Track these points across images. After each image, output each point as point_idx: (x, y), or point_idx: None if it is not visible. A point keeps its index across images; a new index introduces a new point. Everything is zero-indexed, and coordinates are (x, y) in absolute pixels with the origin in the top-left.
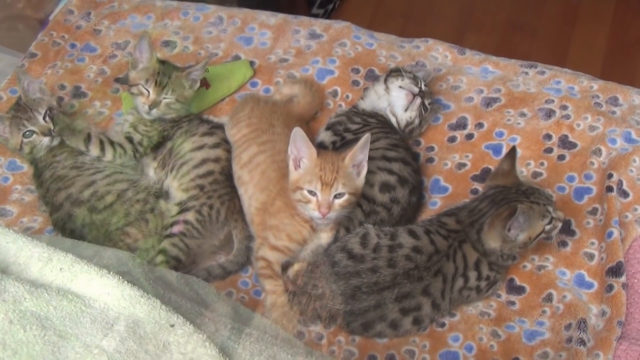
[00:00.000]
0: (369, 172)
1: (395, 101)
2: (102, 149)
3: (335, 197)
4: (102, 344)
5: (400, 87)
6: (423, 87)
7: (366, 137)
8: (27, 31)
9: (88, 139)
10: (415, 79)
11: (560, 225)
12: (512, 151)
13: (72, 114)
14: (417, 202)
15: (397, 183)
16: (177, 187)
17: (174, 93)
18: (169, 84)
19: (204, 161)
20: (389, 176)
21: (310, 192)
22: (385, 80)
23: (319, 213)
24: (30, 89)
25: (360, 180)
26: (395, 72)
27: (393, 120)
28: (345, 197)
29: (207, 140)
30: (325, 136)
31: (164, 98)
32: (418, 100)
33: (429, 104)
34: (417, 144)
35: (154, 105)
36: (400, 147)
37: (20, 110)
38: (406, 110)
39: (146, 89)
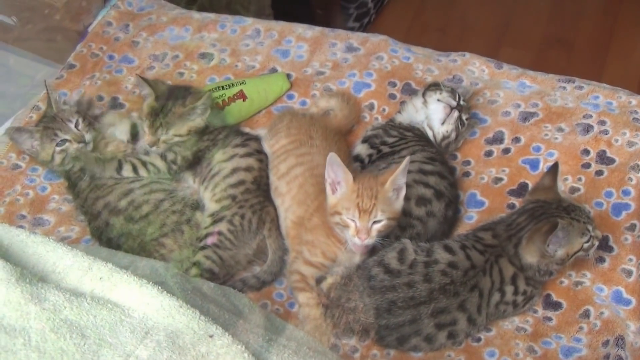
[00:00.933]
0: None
1: (432, 114)
2: (135, 170)
3: (374, 222)
4: (140, 354)
5: (438, 100)
6: (461, 102)
7: (407, 160)
8: (65, 42)
9: (120, 166)
10: (453, 93)
11: (597, 243)
12: (554, 167)
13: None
14: (453, 216)
15: (433, 197)
16: (210, 199)
17: (170, 130)
18: (163, 125)
19: (234, 170)
20: (425, 190)
21: (349, 218)
22: (424, 94)
23: (358, 239)
24: (60, 102)
25: (399, 203)
26: (434, 86)
27: (430, 133)
28: (384, 222)
29: (238, 151)
30: (361, 149)
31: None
32: (455, 114)
33: (466, 119)
34: (454, 158)
35: (152, 144)
36: (436, 161)
37: (51, 121)
38: (443, 123)
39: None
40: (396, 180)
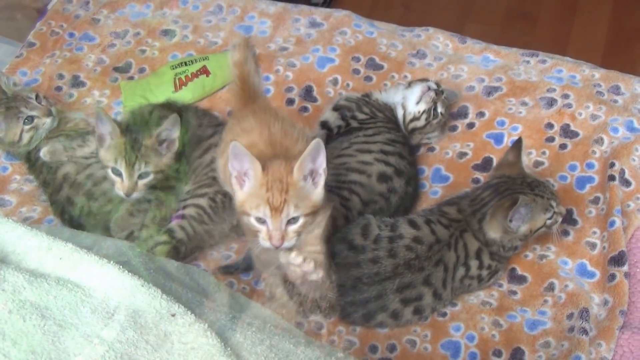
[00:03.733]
0: (366, 163)
1: (410, 94)
2: None
3: (289, 222)
4: (102, 334)
5: (420, 84)
6: (442, 91)
7: (316, 142)
8: (25, 20)
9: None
10: (438, 85)
11: (560, 220)
12: (518, 142)
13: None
14: (414, 192)
15: (394, 174)
16: (190, 184)
17: (148, 165)
18: (140, 158)
19: (213, 159)
20: (385, 167)
21: (259, 219)
22: (411, 82)
23: (271, 245)
24: (10, 84)
25: (318, 192)
26: (424, 79)
27: (400, 113)
28: (301, 221)
29: (212, 141)
30: (331, 116)
31: (140, 176)
32: (432, 94)
33: (440, 112)
34: None
35: (130, 190)
36: (398, 143)
37: (12, 100)
38: (418, 102)
39: (117, 172)
40: (303, 166)
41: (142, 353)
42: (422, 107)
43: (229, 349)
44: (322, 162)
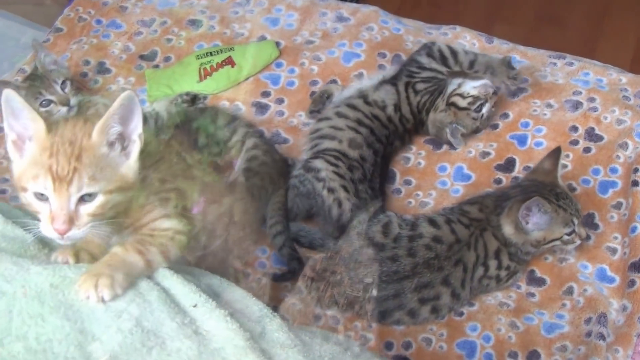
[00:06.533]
0: (338, 129)
1: (472, 81)
2: None
3: (83, 200)
4: (128, 308)
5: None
6: (496, 94)
7: (127, 96)
8: (53, 6)
9: None
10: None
11: (578, 242)
12: (556, 152)
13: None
14: (384, 165)
15: (364, 143)
16: None
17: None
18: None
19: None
20: (356, 135)
21: (39, 195)
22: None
23: (54, 230)
24: (46, 62)
25: (130, 165)
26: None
27: (452, 86)
28: (100, 199)
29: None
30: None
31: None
32: (490, 89)
33: (482, 114)
34: None
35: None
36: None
37: (37, 79)
38: (475, 87)
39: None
40: (108, 126)
41: (166, 330)
42: (475, 92)
43: (247, 333)
44: (136, 125)
